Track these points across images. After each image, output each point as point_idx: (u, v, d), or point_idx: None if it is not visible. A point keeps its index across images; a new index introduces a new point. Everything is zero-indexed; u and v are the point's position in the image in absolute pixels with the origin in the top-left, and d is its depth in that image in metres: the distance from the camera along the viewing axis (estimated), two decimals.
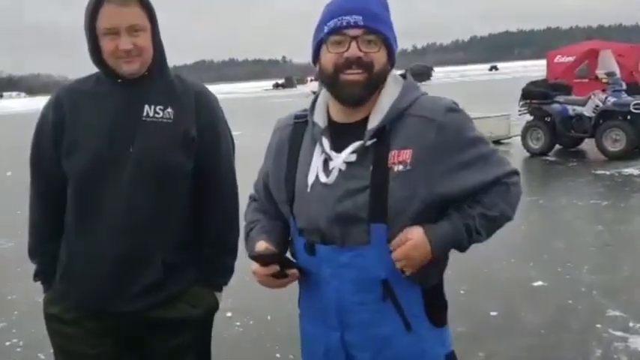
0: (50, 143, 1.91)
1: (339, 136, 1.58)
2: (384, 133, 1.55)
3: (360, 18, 1.51)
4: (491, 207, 1.57)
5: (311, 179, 1.60)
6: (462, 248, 1.60)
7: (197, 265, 2.01)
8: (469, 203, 1.56)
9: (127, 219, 1.87)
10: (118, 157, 1.85)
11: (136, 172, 1.85)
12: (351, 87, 1.53)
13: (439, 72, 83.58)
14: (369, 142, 1.54)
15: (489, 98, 21.84)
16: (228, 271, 2.07)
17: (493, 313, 4.11)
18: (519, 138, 11.25)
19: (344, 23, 1.50)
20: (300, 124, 1.69)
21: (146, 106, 1.88)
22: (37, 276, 2.05)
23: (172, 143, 1.89)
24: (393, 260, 1.54)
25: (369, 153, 1.55)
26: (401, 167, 1.51)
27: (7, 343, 4.11)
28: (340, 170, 1.56)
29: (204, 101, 1.98)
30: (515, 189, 1.63)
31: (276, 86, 73.96)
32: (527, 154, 10.87)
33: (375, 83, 1.55)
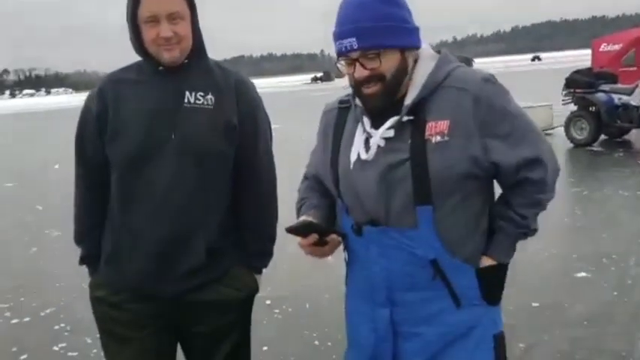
0: (94, 133, 1.96)
1: (380, 115, 1.61)
2: (420, 108, 1.57)
3: (354, 40, 1.52)
4: (537, 205, 1.63)
5: (353, 157, 1.64)
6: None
7: (237, 249, 2.04)
8: (517, 209, 1.62)
9: (169, 204, 1.91)
10: (161, 144, 1.89)
11: (178, 157, 1.89)
12: (371, 100, 1.58)
13: (480, 63, 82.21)
14: (405, 118, 1.56)
15: (531, 89, 21.36)
16: (267, 255, 2.10)
17: (535, 304, 4.04)
18: (562, 129, 10.99)
19: (343, 49, 1.55)
20: (344, 108, 1.74)
21: (187, 93, 1.91)
22: (83, 260, 2.11)
23: (214, 129, 1.92)
24: (441, 240, 1.57)
25: (407, 127, 1.57)
26: (438, 138, 1.53)
27: (56, 327, 4.26)
28: (379, 146, 1.59)
29: (245, 89, 2.01)
30: (552, 170, 1.63)
31: (315, 80, 73.96)
32: (571, 145, 10.62)
33: (392, 88, 1.57)
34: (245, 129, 1.97)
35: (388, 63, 1.54)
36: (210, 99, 1.92)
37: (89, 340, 3.81)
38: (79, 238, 2.10)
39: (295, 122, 17.04)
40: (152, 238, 1.92)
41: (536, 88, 21.45)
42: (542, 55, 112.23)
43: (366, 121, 1.63)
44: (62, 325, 4.26)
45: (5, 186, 11.05)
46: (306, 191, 1.87)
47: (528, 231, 1.66)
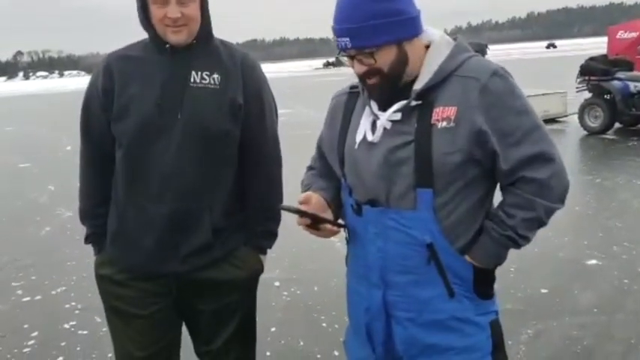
0: (99, 108, 1.95)
1: (387, 99, 1.61)
2: (430, 93, 1.56)
3: (348, 40, 1.53)
4: (529, 207, 1.55)
5: (359, 138, 1.65)
6: (508, 252, 1.63)
7: (242, 230, 2.05)
8: (505, 208, 1.57)
9: (175, 183, 1.90)
10: (167, 123, 1.88)
11: (184, 137, 1.89)
12: (374, 92, 1.60)
13: (494, 50, 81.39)
14: (413, 102, 1.56)
15: (546, 76, 21.15)
16: (272, 236, 2.10)
17: (544, 291, 4.03)
18: (576, 116, 10.88)
19: (340, 46, 1.56)
20: (354, 93, 1.74)
21: (193, 72, 1.90)
22: (88, 239, 2.12)
23: (220, 109, 1.91)
24: (439, 225, 1.56)
25: (415, 111, 1.57)
26: (445, 124, 1.52)
27: (67, 306, 4.30)
28: (385, 129, 1.59)
29: (250, 68, 1.99)
30: (558, 176, 1.56)
31: (327, 65, 73.60)
32: (584, 133, 10.51)
33: (392, 80, 1.57)
34: (251, 109, 1.96)
35: (383, 58, 1.54)
36: (216, 78, 1.92)
37: (99, 319, 3.84)
38: (84, 216, 2.11)
39: (306, 107, 17.00)
40: (158, 217, 1.92)
41: (550, 75, 21.22)
42: (558, 42, 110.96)
43: (374, 104, 1.63)
44: (73, 303, 4.30)
45: (19, 167, 11.14)
46: (310, 177, 1.87)
47: (515, 236, 1.57)
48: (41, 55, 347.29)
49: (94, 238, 2.10)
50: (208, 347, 2.10)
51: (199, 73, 1.91)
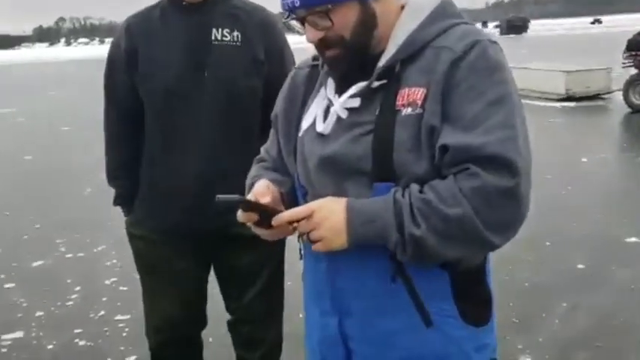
0: (123, 68, 1.98)
1: (347, 79, 1.24)
2: (398, 71, 1.20)
3: None
4: (450, 201, 1.09)
5: (305, 124, 1.30)
6: (391, 244, 1.13)
7: None
8: (426, 185, 1.14)
9: (206, 141, 1.93)
10: (194, 81, 1.90)
11: (212, 94, 1.91)
12: (334, 68, 1.26)
13: (536, 25, 79.25)
14: (376, 83, 1.20)
15: (590, 52, 20.55)
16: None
17: (580, 266, 3.98)
18: (621, 93, 10.56)
19: (286, 7, 1.22)
20: (317, 66, 1.37)
21: (214, 30, 1.92)
22: (117, 200, 2.16)
23: (243, 65, 1.93)
24: None
25: (378, 95, 1.20)
26: (409, 110, 1.15)
27: (108, 263, 4.45)
28: (340, 118, 1.24)
29: (270, 26, 2.00)
30: (505, 202, 1.09)
31: None
32: (628, 110, 10.22)
33: (357, 49, 1.21)
34: (272, 63, 1.98)
35: (342, 19, 1.18)
36: (237, 35, 1.93)
37: (136, 276, 3.95)
38: (111, 176, 2.14)
39: None
40: (190, 175, 1.95)
41: (595, 51, 20.60)
42: (603, 18, 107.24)
43: (330, 83, 1.28)
44: (114, 261, 4.44)
45: (62, 129, 11.40)
46: (258, 170, 1.47)
47: (403, 228, 1.11)
48: (83, 22, 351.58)
49: (122, 199, 2.14)
50: (240, 302, 2.16)
51: (220, 30, 1.92)
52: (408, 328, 1.21)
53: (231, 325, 2.26)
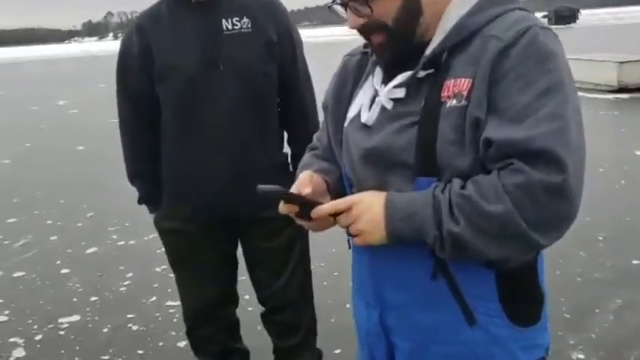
0: (137, 68, 1.99)
1: (397, 67, 1.20)
2: (446, 60, 1.14)
3: None
4: (488, 195, 1.04)
5: (351, 115, 1.28)
6: (430, 241, 1.10)
7: (286, 168, 2.14)
8: (469, 180, 1.09)
9: (229, 131, 1.96)
10: (211, 74, 1.93)
11: (229, 85, 1.94)
12: (380, 55, 1.22)
13: (587, 14, 76.85)
14: (422, 73, 1.15)
15: None
16: None
17: (635, 262, 3.86)
18: None
19: None
20: (367, 53, 1.34)
21: (223, 20, 1.93)
22: (141, 200, 2.20)
23: (257, 51, 1.96)
24: None
25: (424, 85, 1.15)
26: (454, 101, 1.10)
27: (158, 251, 4.49)
28: (384, 109, 1.20)
29: (276, 10, 2.02)
30: (552, 199, 1.03)
31: None
32: None
33: (400, 37, 1.17)
34: (284, 45, 2.01)
35: (382, 7, 1.15)
36: (247, 22, 1.95)
37: None
38: (133, 177, 2.18)
39: None
40: (217, 166, 1.98)
41: None
42: None
43: (378, 73, 1.24)
44: (163, 249, 4.52)
45: (112, 121, 11.69)
46: (309, 159, 1.45)
47: (441, 225, 1.07)
48: (129, 16, 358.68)
49: (146, 198, 2.19)
50: (271, 289, 2.20)
51: (229, 19, 1.94)
52: (450, 325, 1.18)
53: (266, 316, 2.31)
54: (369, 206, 1.15)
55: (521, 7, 1.16)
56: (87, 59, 44.08)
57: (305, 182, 1.26)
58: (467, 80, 1.09)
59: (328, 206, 1.18)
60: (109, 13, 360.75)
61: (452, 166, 1.11)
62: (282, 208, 1.23)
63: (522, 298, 1.19)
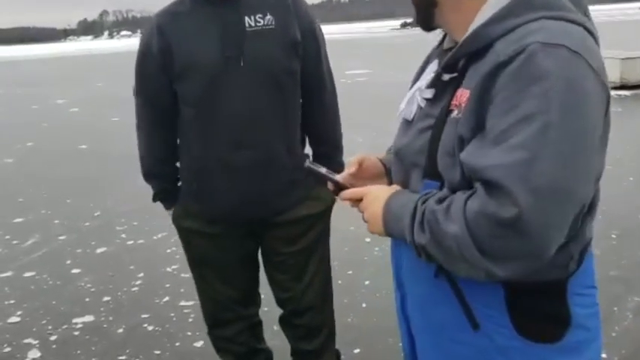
0: (156, 68, 1.97)
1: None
2: (465, 66, 1.12)
3: None
4: (451, 214, 1.03)
5: (401, 106, 1.29)
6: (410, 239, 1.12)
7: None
8: (441, 192, 1.11)
9: (251, 129, 1.94)
10: (232, 73, 1.90)
11: (251, 83, 1.91)
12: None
13: (595, 10, 76.63)
14: (447, 77, 1.14)
15: None
16: (340, 166, 2.14)
17: None
18: None
19: None
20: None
21: (246, 18, 1.91)
22: (157, 196, 2.18)
23: (280, 49, 1.93)
24: None
25: (448, 89, 1.14)
26: (456, 112, 1.09)
27: (168, 251, 4.51)
28: (420, 107, 1.22)
29: (300, 6, 2.00)
30: (497, 226, 0.97)
31: (405, 25, 71.96)
32: None
33: (419, 20, 1.22)
34: (307, 42, 1.99)
35: None
36: (270, 19, 1.92)
37: None
38: (149, 176, 2.16)
39: (385, 67, 16.75)
40: (240, 165, 1.96)
41: None
42: None
43: (431, 68, 1.26)
44: (173, 248, 4.50)
45: (112, 120, 11.64)
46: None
47: (413, 234, 1.10)
48: (125, 15, 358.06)
49: (162, 195, 2.17)
50: (291, 292, 2.18)
51: (252, 16, 1.91)
52: (455, 324, 1.16)
53: (285, 319, 2.29)
54: (374, 200, 1.22)
55: (558, 15, 1.04)
56: (84, 58, 43.92)
57: (351, 163, 1.36)
58: (468, 93, 1.07)
59: (349, 191, 1.29)
60: (105, 12, 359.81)
61: (448, 176, 1.11)
62: (329, 185, 1.37)
63: (540, 315, 1.12)
